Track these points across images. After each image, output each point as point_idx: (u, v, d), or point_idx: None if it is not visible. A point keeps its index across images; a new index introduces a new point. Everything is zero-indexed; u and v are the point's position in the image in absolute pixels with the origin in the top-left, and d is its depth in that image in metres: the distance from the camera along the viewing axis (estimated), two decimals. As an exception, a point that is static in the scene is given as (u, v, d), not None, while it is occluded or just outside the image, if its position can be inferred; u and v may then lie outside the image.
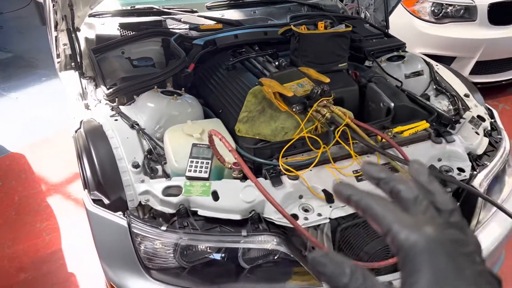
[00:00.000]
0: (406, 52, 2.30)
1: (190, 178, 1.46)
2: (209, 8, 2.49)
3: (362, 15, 2.79)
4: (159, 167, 1.58)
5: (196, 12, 2.43)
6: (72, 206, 2.58)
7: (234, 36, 2.20)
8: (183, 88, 1.87)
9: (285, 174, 1.47)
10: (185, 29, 2.33)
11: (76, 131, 1.86)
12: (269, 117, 1.68)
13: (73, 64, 2.13)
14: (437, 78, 2.17)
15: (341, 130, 1.56)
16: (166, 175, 1.57)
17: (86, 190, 1.54)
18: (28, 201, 2.60)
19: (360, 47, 2.26)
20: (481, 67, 3.80)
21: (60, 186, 2.73)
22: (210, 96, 1.99)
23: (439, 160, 1.68)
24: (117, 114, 1.73)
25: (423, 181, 0.43)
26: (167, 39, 2.26)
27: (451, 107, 2.06)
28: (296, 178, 1.46)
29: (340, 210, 1.43)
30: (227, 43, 2.19)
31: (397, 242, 0.37)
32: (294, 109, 1.62)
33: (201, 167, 1.48)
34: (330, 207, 1.44)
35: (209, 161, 1.49)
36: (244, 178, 1.49)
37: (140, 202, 1.46)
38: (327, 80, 1.75)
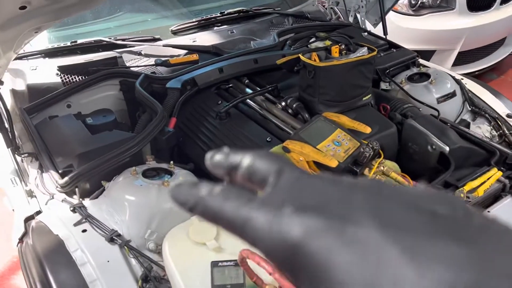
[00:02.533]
0: (427, 67, 1.90)
1: (220, 323, 0.96)
2: (175, 33, 1.94)
3: (351, 19, 2.36)
4: (163, 300, 1.07)
5: (159, 40, 1.87)
6: (24, 308, 1.96)
7: (219, 70, 1.69)
8: (171, 162, 1.34)
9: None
10: (150, 65, 1.77)
11: (21, 240, 1.29)
12: (303, 195, 1.21)
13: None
14: (470, 96, 1.79)
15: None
16: (177, 312, 1.06)
17: None
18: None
19: (370, 65, 1.83)
20: (460, 58, 3.55)
21: (1, 279, 2.09)
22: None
23: (525, 220, 1.29)
24: (84, 220, 1.18)
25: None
26: (127, 81, 1.70)
27: (494, 132, 1.70)
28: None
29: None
30: (211, 80, 1.67)
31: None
32: (341, 184, 1.16)
33: (233, 300, 0.99)
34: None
35: (243, 289, 1.00)
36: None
37: None
38: (368, 130, 1.31)
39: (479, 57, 3.65)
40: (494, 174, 1.34)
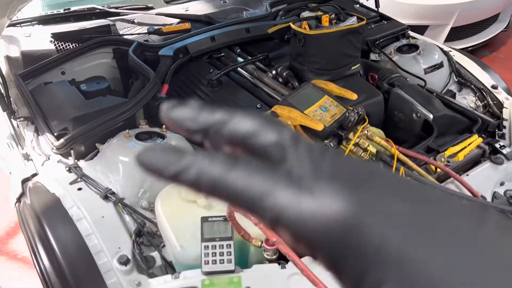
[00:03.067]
0: (416, 39, 1.94)
1: (208, 273, 1.02)
2: (168, 2, 1.95)
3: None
4: (155, 254, 1.13)
5: (152, 8, 1.89)
6: (21, 270, 2.03)
7: (211, 39, 1.71)
8: (163, 125, 1.38)
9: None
10: (143, 33, 1.79)
11: (19, 199, 1.34)
12: (290, 158, 1.26)
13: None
14: (457, 68, 1.83)
15: (400, 174, 1.17)
16: (168, 265, 1.12)
17: (54, 307, 1.06)
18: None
19: (361, 36, 1.86)
20: (453, 34, 3.57)
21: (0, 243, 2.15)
22: (196, 126, 1.52)
23: (502, 184, 1.36)
24: (79, 179, 1.23)
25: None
26: (120, 49, 1.73)
27: (479, 102, 1.75)
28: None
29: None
30: (203, 49, 1.70)
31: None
32: (327, 147, 1.20)
33: (221, 253, 1.04)
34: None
35: (231, 242, 1.06)
36: (280, 258, 1.08)
37: (140, 318, 1.01)
38: (354, 96, 1.36)
39: (472, 33, 3.67)
40: (475, 141, 1.39)
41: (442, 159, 1.32)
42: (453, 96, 1.75)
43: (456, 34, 3.58)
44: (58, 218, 1.14)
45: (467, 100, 1.76)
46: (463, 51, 2.00)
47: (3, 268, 2.05)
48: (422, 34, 3.34)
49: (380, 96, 1.51)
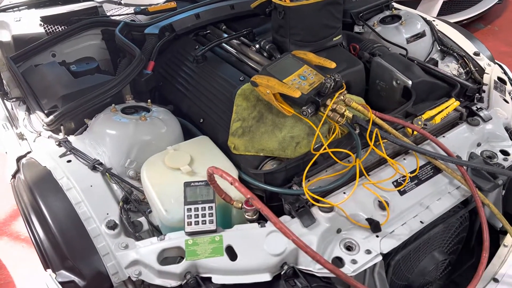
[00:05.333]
0: (399, 9, 1.96)
1: (191, 234, 1.08)
2: (154, -18, 1.98)
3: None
4: (142, 219, 1.18)
5: (138, -11, 1.93)
6: (25, 250, 2.10)
7: (195, 16, 1.75)
8: (149, 100, 1.43)
9: (315, 205, 1.13)
10: (130, 14, 1.83)
11: (14, 176, 1.40)
12: (271, 125, 1.31)
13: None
14: (440, 36, 1.86)
15: (373, 135, 1.22)
16: (155, 229, 1.18)
17: (49, 270, 1.12)
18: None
19: (344, 10, 1.88)
20: (446, 7, 3.57)
21: (3, 225, 2.23)
22: (182, 101, 1.57)
23: (479, 145, 1.40)
24: (68, 152, 1.28)
25: None
26: (108, 30, 1.77)
27: (461, 70, 1.78)
28: (330, 210, 1.12)
29: (391, 239, 1.12)
30: (188, 26, 1.74)
31: None
32: (304, 113, 1.25)
33: (203, 214, 1.10)
34: (377, 236, 1.12)
35: (212, 205, 1.11)
36: (260, 218, 1.13)
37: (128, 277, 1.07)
38: (333, 65, 1.39)
39: (466, 6, 3.66)
40: (452, 104, 1.43)
41: (419, 122, 1.36)
42: (436, 64, 1.78)
43: (449, 7, 3.58)
44: (49, 188, 1.20)
45: (449, 67, 1.79)
46: (447, 20, 2.01)
47: (7, 248, 2.13)
48: (414, 9, 3.36)
49: (360, 65, 1.54)
